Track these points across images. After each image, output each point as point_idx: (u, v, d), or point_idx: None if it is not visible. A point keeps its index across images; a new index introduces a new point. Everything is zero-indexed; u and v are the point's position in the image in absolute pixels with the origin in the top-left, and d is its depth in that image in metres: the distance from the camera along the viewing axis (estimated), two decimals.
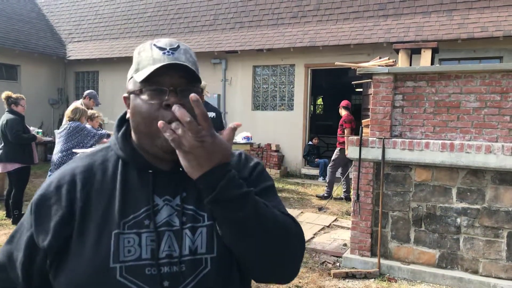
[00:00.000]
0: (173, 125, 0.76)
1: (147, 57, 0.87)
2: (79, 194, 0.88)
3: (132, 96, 0.89)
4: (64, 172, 0.93)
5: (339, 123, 7.42)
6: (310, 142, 10.00)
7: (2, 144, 5.45)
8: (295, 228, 0.91)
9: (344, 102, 7.67)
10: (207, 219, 0.88)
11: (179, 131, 0.75)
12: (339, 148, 7.38)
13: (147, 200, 0.88)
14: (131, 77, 0.90)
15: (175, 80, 0.85)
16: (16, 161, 5.39)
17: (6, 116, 5.47)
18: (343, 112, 7.52)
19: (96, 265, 0.83)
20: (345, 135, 6.99)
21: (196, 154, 0.76)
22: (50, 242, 0.86)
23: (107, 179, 0.90)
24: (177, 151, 0.78)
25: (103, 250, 0.83)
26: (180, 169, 0.83)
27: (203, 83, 6.13)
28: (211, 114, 5.85)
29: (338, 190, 7.66)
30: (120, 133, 0.94)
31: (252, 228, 0.80)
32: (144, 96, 0.85)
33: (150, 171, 0.90)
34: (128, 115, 0.92)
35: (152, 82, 0.84)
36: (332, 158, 7.51)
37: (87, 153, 0.98)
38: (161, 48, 0.88)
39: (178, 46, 0.90)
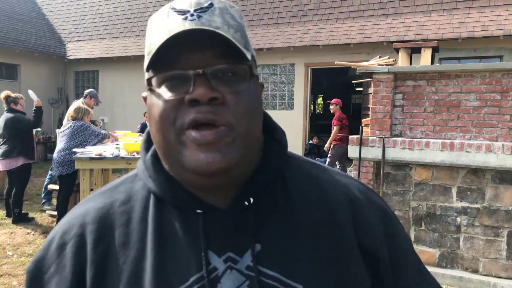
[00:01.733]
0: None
1: (161, 28, 0.53)
2: (90, 255, 0.58)
3: (148, 93, 0.57)
4: (72, 220, 0.62)
5: (333, 122, 7.50)
6: (310, 141, 10.00)
7: (3, 142, 5.44)
8: None
9: (336, 100, 7.70)
10: None
11: None
12: (333, 145, 7.47)
13: (198, 261, 0.55)
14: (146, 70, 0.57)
15: (205, 59, 0.52)
16: (20, 155, 5.40)
17: (9, 114, 5.47)
18: (336, 111, 7.58)
19: None
20: (333, 131, 7.18)
21: None
22: None
23: (133, 228, 0.58)
24: None
25: None
26: (246, 203, 0.56)
27: None
28: None
29: None
30: (149, 155, 0.61)
31: None
32: (161, 90, 0.54)
33: (198, 211, 0.57)
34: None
35: (170, 66, 0.53)
36: (328, 156, 7.57)
37: (107, 186, 0.65)
38: (180, 12, 0.53)
39: (211, 5, 0.54)
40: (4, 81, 11.69)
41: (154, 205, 0.59)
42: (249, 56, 0.53)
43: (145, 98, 0.60)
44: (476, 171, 3.82)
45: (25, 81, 12.21)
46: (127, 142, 4.71)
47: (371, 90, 4.62)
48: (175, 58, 0.52)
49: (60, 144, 5.24)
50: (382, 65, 4.49)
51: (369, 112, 4.29)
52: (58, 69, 13.08)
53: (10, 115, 5.46)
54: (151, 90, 0.55)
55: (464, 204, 3.87)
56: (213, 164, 0.51)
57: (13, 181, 5.52)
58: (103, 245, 0.58)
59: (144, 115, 8.93)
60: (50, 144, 11.18)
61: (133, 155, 4.41)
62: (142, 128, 7.86)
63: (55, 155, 5.21)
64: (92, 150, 4.61)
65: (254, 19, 10.68)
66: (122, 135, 6.27)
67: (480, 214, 3.82)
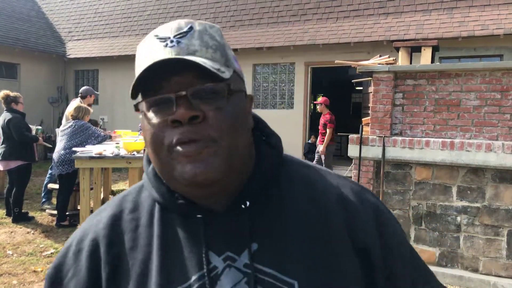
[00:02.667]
0: None
1: (144, 54, 0.59)
2: (104, 259, 0.64)
3: (142, 117, 0.60)
4: (86, 229, 0.68)
5: (322, 122, 7.47)
6: (309, 141, 9.99)
7: (2, 142, 5.44)
8: None
9: (324, 100, 7.67)
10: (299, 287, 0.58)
11: None
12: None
13: (199, 261, 0.60)
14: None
15: (183, 82, 0.56)
16: (18, 158, 5.40)
17: (8, 114, 5.46)
18: (324, 111, 7.55)
19: None
20: (327, 134, 7.19)
21: None
22: None
23: (140, 234, 0.64)
24: None
25: None
26: (243, 206, 0.61)
27: None
28: None
29: None
30: (151, 167, 0.66)
31: None
32: (150, 114, 0.58)
33: (198, 215, 0.61)
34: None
35: (154, 92, 0.57)
36: (323, 157, 7.58)
37: (117, 196, 0.72)
38: (162, 39, 0.58)
39: (191, 28, 0.58)
40: (4, 80, 11.69)
41: (158, 212, 0.65)
42: (227, 75, 0.56)
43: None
44: (476, 170, 3.82)
45: (25, 80, 12.21)
46: (127, 141, 4.70)
47: (371, 89, 4.62)
48: (159, 83, 0.57)
49: (60, 143, 5.23)
50: (382, 64, 4.48)
51: (369, 111, 4.29)
52: (58, 68, 13.08)
53: (9, 115, 5.45)
54: (143, 114, 0.59)
55: (464, 203, 3.87)
56: (199, 174, 0.55)
57: (13, 180, 5.52)
58: (115, 248, 0.64)
59: None
60: (50, 143, 11.17)
61: (133, 154, 4.40)
62: None
63: (55, 154, 5.20)
64: (92, 149, 4.61)
65: (254, 18, 10.67)
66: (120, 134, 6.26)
67: (480, 213, 3.82)
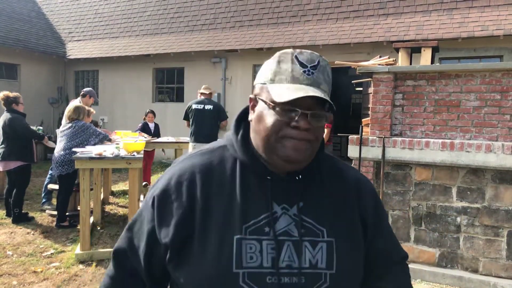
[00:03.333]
0: None
1: (286, 70, 0.85)
2: (199, 193, 0.89)
3: (260, 102, 0.88)
4: (183, 168, 0.94)
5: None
6: None
7: (2, 143, 5.44)
8: (410, 280, 1.08)
9: None
10: (327, 235, 0.90)
11: None
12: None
13: (266, 206, 0.88)
14: (263, 83, 0.89)
15: (308, 103, 0.83)
16: (19, 159, 5.40)
17: (9, 115, 5.47)
18: None
19: (219, 268, 0.84)
20: (324, 134, 7.16)
21: None
22: (172, 240, 0.88)
23: (225, 181, 0.91)
24: None
25: (226, 253, 0.85)
26: (297, 177, 0.91)
27: (208, 91, 6.17)
28: (208, 107, 6.02)
29: None
30: (239, 135, 0.94)
31: None
32: (276, 110, 0.84)
33: (268, 177, 0.90)
34: (250, 117, 0.93)
35: (291, 103, 0.82)
36: None
37: (204, 150, 0.99)
38: (302, 64, 0.85)
39: (318, 63, 0.87)
40: (4, 81, 11.69)
41: (240, 169, 0.92)
42: (334, 108, 0.86)
43: (251, 99, 0.93)
44: (476, 171, 3.82)
45: (25, 81, 12.21)
46: (127, 141, 4.70)
47: (371, 90, 4.62)
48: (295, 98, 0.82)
49: (60, 144, 5.23)
50: (382, 64, 4.49)
51: (369, 112, 4.29)
52: (58, 68, 13.09)
53: (12, 115, 5.45)
54: (268, 105, 0.86)
55: (464, 204, 3.87)
56: (296, 157, 0.86)
57: (13, 181, 5.52)
58: (207, 187, 0.90)
59: (146, 115, 8.89)
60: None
61: (133, 155, 4.40)
62: (144, 128, 7.83)
63: (55, 155, 5.20)
64: (92, 150, 4.61)
65: (254, 19, 10.68)
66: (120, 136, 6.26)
67: (480, 214, 3.82)
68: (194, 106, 6.07)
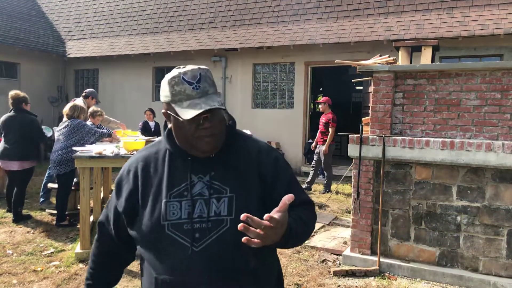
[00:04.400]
0: (257, 231, 1.02)
1: (181, 91, 1.18)
2: (140, 175, 1.29)
3: (172, 117, 1.22)
4: (132, 161, 1.36)
5: (324, 121, 7.47)
6: (310, 140, 9.98)
7: (16, 142, 5.38)
8: (313, 216, 1.34)
9: (327, 99, 7.69)
10: (229, 192, 1.23)
11: (263, 233, 1.02)
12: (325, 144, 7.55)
13: (186, 178, 1.24)
14: (168, 102, 1.21)
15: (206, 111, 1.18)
16: (33, 159, 5.47)
17: (24, 115, 5.46)
18: (326, 110, 7.57)
19: (152, 222, 1.22)
20: (330, 133, 7.22)
21: (272, 238, 1.06)
22: (125, 208, 1.29)
23: (159, 164, 1.29)
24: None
25: (156, 212, 1.22)
26: (211, 155, 1.25)
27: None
28: None
29: (338, 187, 7.66)
30: (166, 133, 1.31)
31: (292, 243, 1.23)
32: (185, 122, 1.18)
33: (189, 158, 1.26)
34: (169, 125, 1.27)
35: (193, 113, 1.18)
36: (324, 157, 7.58)
37: (147, 145, 1.40)
38: (189, 83, 1.18)
39: (200, 75, 1.20)
40: (4, 80, 11.68)
41: (168, 155, 1.30)
42: (223, 106, 1.20)
43: (165, 114, 1.26)
44: (476, 170, 3.82)
45: (25, 79, 12.20)
46: (127, 140, 4.70)
47: (371, 88, 4.62)
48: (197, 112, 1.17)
49: (57, 143, 5.22)
50: (382, 63, 4.48)
51: (369, 111, 4.29)
52: (58, 67, 13.07)
53: (26, 116, 5.44)
54: (179, 120, 1.19)
55: (464, 203, 3.87)
56: (211, 149, 1.24)
57: (16, 179, 5.50)
58: (145, 171, 1.29)
59: (144, 113, 8.88)
60: (50, 143, 11.15)
61: (133, 154, 4.40)
62: (144, 126, 7.83)
63: (52, 154, 5.19)
64: (92, 149, 4.60)
65: (254, 18, 10.66)
66: (121, 134, 6.25)
67: (480, 213, 3.81)
68: None
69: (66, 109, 5.34)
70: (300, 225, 1.20)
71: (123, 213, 1.28)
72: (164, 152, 1.30)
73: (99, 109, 6.16)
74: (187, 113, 1.15)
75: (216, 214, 1.20)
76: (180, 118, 1.16)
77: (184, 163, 1.25)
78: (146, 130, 7.59)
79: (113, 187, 6.27)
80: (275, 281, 1.36)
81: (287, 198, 1.04)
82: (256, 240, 1.02)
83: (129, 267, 4.01)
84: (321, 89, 15.66)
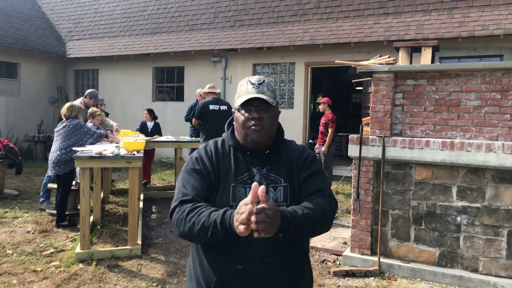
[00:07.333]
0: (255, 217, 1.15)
1: (244, 90, 1.48)
2: (214, 161, 1.52)
3: (235, 111, 1.51)
4: (204, 147, 1.58)
5: (324, 122, 7.44)
6: (310, 141, 9.98)
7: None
8: (330, 207, 1.47)
9: (327, 100, 7.66)
10: (283, 182, 1.49)
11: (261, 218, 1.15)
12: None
13: (248, 169, 1.50)
14: (235, 100, 1.51)
15: (257, 104, 1.45)
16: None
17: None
18: (326, 110, 7.54)
19: (223, 202, 1.44)
20: (329, 133, 7.18)
21: (269, 227, 1.17)
22: (206, 182, 1.49)
23: (226, 156, 1.53)
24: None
25: (226, 194, 1.47)
26: (266, 152, 1.53)
27: (218, 90, 6.28)
28: (223, 107, 5.93)
29: (338, 187, 7.65)
30: (229, 131, 1.60)
31: (297, 227, 1.33)
32: (242, 112, 1.47)
33: (248, 152, 1.52)
34: (234, 122, 1.55)
35: (246, 105, 1.46)
36: (323, 158, 7.56)
37: (214, 139, 1.62)
38: (252, 84, 1.48)
39: (263, 81, 1.49)
40: (4, 80, 11.68)
41: (232, 150, 1.54)
42: (274, 103, 1.49)
43: (233, 112, 1.55)
44: (476, 171, 3.82)
45: (25, 79, 12.20)
46: (127, 141, 4.70)
47: (371, 89, 4.62)
48: (250, 102, 1.46)
49: (55, 144, 5.21)
50: (382, 64, 4.48)
51: (369, 111, 4.29)
52: (58, 67, 13.07)
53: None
54: (237, 110, 1.50)
55: (464, 203, 3.87)
56: (258, 138, 1.48)
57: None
58: (216, 158, 1.52)
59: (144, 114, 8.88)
60: (50, 143, 11.16)
61: (133, 154, 4.40)
62: (142, 127, 7.83)
63: (50, 155, 5.18)
64: (92, 149, 4.60)
65: (254, 18, 10.67)
66: (122, 134, 6.25)
67: (480, 213, 3.81)
68: (211, 107, 5.92)
69: (63, 110, 5.33)
70: (304, 210, 1.36)
71: (206, 184, 1.48)
72: (228, 147, 1.55)
73: (98, 109, 6.16)
74: (241, 100, 1.45)
75: (274, 200, 1.42)
76: (237, 108, 1.47)
77: (244, 157, 1.51)
78: (143, 130, 7.60)
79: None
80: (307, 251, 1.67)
81: (261, 190, 1.14)
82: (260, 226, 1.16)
83: (129, 267, 4.01)
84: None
